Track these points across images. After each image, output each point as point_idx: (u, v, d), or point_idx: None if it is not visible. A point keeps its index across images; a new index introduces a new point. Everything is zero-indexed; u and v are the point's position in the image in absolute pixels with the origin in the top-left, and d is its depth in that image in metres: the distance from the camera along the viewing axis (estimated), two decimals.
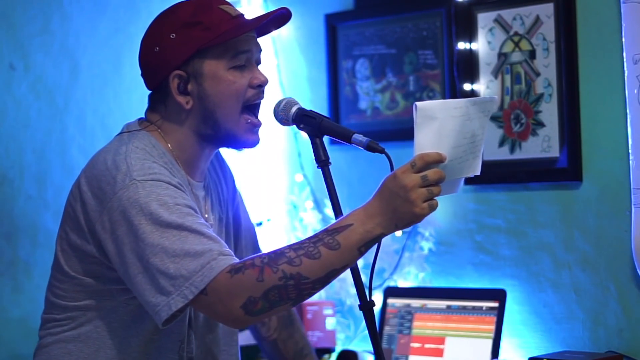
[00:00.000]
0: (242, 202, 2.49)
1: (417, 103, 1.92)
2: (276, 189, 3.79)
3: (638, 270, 2.90)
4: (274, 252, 1.99)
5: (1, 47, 3.28)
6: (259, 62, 2.23)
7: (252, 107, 2.20)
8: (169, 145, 2.20)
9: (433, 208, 1.92)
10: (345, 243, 1.96)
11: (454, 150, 1.95)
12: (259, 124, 2.22)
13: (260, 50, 2.24)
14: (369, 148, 2.02)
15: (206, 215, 2.26)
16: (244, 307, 1.96)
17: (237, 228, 2.43)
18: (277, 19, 2.24)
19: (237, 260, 2.01)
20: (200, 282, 1.97)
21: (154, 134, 2.21)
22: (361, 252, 1.98)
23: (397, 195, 1.92)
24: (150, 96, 2.26)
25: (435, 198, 1.93)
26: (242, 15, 2.20)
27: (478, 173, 2.03)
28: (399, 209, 1.93)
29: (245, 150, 2.25)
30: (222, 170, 2.42)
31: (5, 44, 3.28)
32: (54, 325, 2.21)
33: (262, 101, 2.23)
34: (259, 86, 2.19)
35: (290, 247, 1.98)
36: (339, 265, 1.97)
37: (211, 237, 2.02)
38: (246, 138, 2.20)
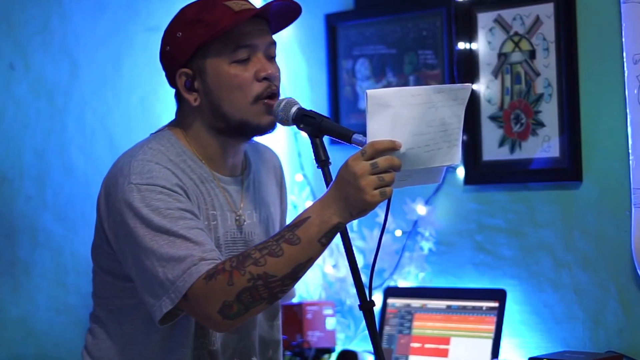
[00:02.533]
0: (285, 212, 2.51)
1: (368, 91, 1.92)
2: None
3: (638, 270, 2.90)
4: (242, 254, 2.02)
5: (1, 47, 3.27)
6: (271, 56, 2.21)
7: (267, 98, 2.19)
8: (189, 142, 2.22)
9: (385, 195, 1.92)
10: (304, 236, 1.97)
11: (415, 138, 1.94)
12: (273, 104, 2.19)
13: (272, 42, 2.21)
14: None
15: (240, 212, 2.27)
16: (220, 312, 2.00)
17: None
18: (284, 10, 2.22)
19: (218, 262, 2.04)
20: (182, 287, 2.02)
21: (175, 132, 2.24)
22: (322, 244, 1.98)
23: (349, 183, 1.93)
24: (174, 94, 2.30)
25: (391, 186, 1.92)
26: (247, 9, 2.18)
27: (458, 162, 2.02)
28: (351, 197, 1.93)
29: (266, 136, 2.24)
30: (269, 173, 2.43)
31: (5, 43, 3.28)
32: (92, 322, 2.29)
33: (276, 92, 2.19)
34: (265, 79, 2.17)
35: (256, 247, 2.01)
36: (303, 259, 1.98)
37: (198, 241, 2.05)
38: (258, 121, 2.19)
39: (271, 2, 2.18)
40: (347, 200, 1.94)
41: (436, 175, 2.05)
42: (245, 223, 2.26)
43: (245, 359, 2.28)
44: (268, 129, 2.21)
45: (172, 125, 2.27)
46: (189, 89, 2.19)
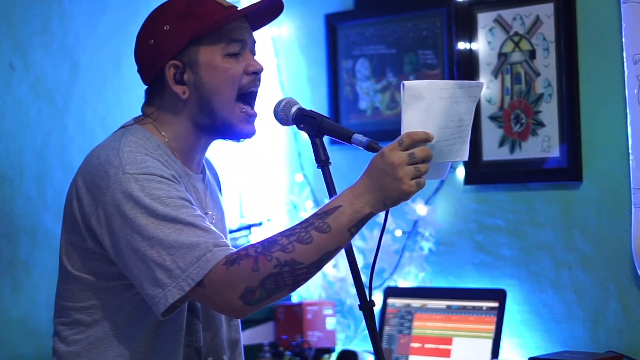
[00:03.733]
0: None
1: (405, 82, 1.94)
2: (276, 189, 3.79)
3: (638, 270, 2.90)
4: (267, 240, 2.00)
5: (1, 47, 3.28)
6: (253, 53, 2.24)
7: (247, 96, 2.20)
8: (165, 136, 2.20)
9: (420, 186, 1.94)
10: (335, 225, 1.97)
11: (441, 131, 1.96)
12: (254, 115, 2.22)
13: (254, 41, 2.24)
14: (369, 148, 2.02)
15: (209, 212, 2.26)
16: (242, 298, 1.98)
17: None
18: (269, 9, 2.24)
19: (232, 250, 2.02)
20: (196, 274, 1.98)
21: (147, 127, 2.21)
22: (352, 233, 1.99)
23: (385, 173, 1.93)
24: (146, 90, 2.26)
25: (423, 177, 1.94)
26: (234, 6, 2.22)
27: (466, 159, 2.04)
28: (387, 187, 1.94)
29: (243, 142, 2.24)
30: (213, 174, 2.42)
31: (5, 43, 3.28)
32: (63, 330, 2.22)
33: (258, 90, 2.22)
34: (254, 73, 2.19)
35: (282, 234, 1.99)
36: (332, 248, 1.98)
37: (206, 229, 2.03)
38: (241, 128, 2.20)
39: (262, 1, 2.20)
40: (382, 190, 1.95)
41: (443, 170, 2.07)
42: (212, 222, 2.25)
43: (217, 357, 2.28)
44: (248, 136, 2.22)
45: (140, 120, 2.23)
46: (178, 82, 2.19)
